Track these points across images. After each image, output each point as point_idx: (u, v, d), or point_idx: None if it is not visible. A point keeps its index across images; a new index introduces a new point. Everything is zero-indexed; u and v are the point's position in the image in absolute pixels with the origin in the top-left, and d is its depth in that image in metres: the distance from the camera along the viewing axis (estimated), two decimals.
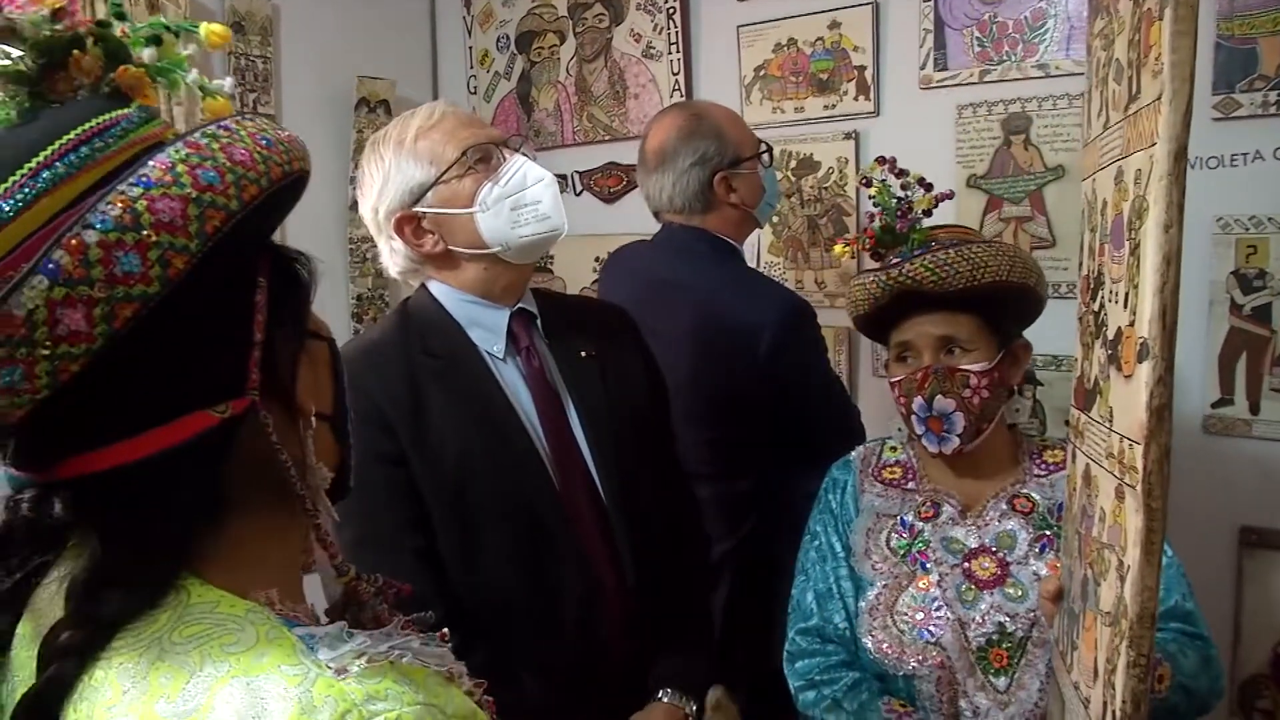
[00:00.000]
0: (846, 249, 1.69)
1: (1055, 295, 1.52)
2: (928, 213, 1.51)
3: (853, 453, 1.56)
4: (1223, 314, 1.83)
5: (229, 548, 0.63)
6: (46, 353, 0.54)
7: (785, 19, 2.37)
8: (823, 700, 1.38)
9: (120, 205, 0.55)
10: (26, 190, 0.55)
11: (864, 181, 1.56)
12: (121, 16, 0.67)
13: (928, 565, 1.38)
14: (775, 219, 2.39)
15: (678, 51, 2.56)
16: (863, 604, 1.39)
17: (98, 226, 0.54)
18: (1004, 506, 1.40)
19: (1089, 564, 1.00)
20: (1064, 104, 2.01)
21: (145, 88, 0.66)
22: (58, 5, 0.62)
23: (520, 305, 1.35)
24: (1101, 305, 0.99)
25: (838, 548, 1.46)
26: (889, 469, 1.51)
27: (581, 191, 2.80)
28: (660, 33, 2.59)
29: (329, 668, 0.55)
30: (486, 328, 1.32)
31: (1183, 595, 1.27)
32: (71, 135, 0.58)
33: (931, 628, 1.33)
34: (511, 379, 1.32)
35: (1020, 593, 1.32)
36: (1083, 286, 1.12)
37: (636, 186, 2.04)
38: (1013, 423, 1.53)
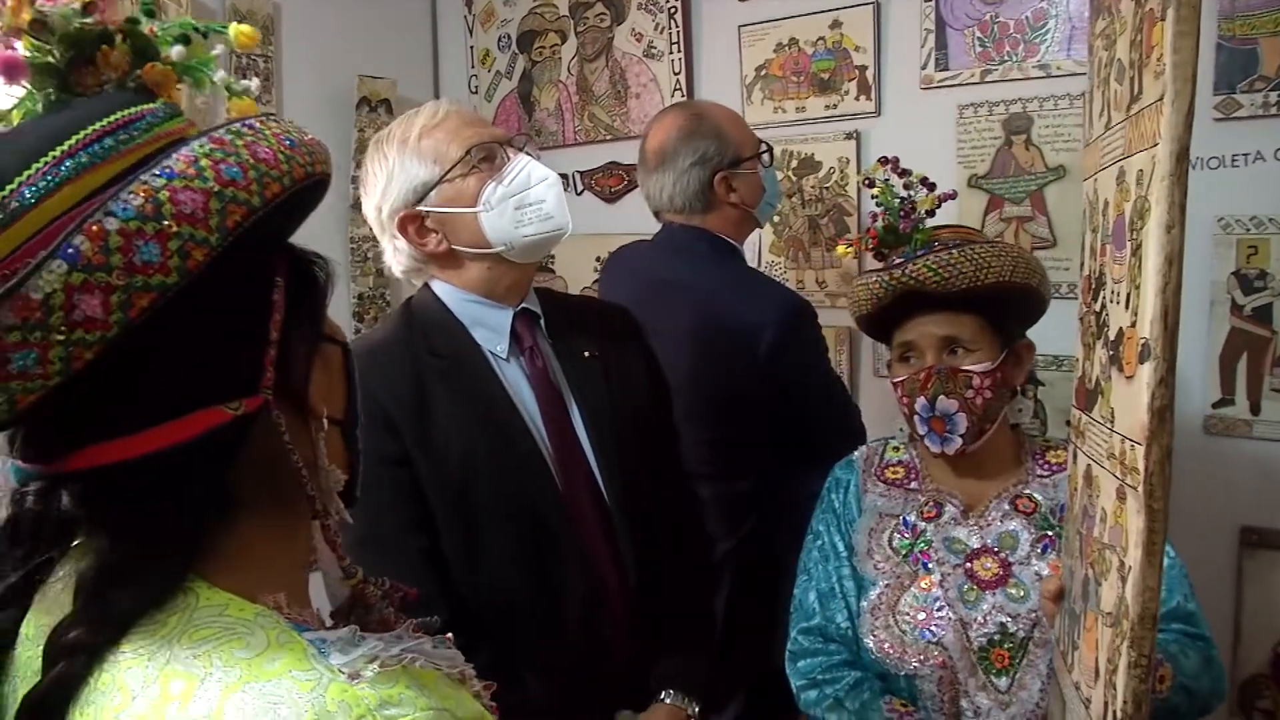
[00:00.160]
0: (849, 249, 1.70)
1: (1056, 295, 1.52)
2: (931, 213, 1.51)
3: (856, 452, 1.56)
4: (1223, 314, 1.84)
5: (237, 549, 0.62)
6: (61, 338, 0.53)
7: (786, 19, 2.37)
8: (825, 699, 1.38)
9: (143, 194, 0.55)
10: (49, 178, 0.55)
11: (867, 182, 1.56)
12: (151, 14, 0.68)
13: (930, 565, 1.38)
14: (776, 219, 2.39)
15: (679, 51, 2.56)
16: (865, 603, 1.39)
17: (119, 214, 0.54)
18: (1006, 507, 1.40)
19: (1090, 564, 1.00)
20: (1065, 104, 2.01)
21: (171, 85, 0.66)
22: (88, 0, 0.63)
23: (524, 305, 1.35)
24: (1103, 306, 0.99)
25: (840, 547, 1.46)
26: (892, 469, 1.51)
27: (582, 191, 2.80)
28: (661, 32, 2.59)
29: (342, 673, 0.55)
30: (490, 327, 1.32)
31: (1184, 596, 1.27)
32: (97, 126, 0.58)
33: (933, 627, 1.33)
34: (515, 379, 1.31)
35: (1022, 593, 1.32)
36: (1084, 287, 1.12)
37: (637, 186, 2.04)
38: (1015, 423, 1.53)
